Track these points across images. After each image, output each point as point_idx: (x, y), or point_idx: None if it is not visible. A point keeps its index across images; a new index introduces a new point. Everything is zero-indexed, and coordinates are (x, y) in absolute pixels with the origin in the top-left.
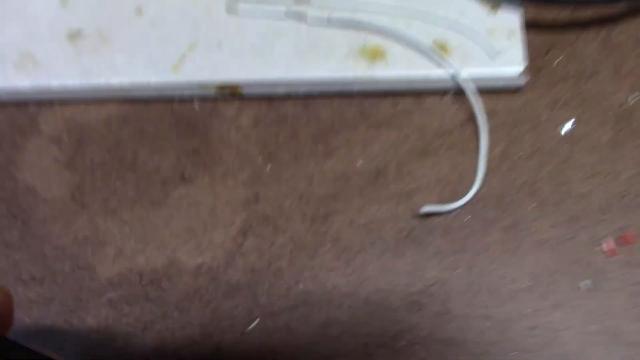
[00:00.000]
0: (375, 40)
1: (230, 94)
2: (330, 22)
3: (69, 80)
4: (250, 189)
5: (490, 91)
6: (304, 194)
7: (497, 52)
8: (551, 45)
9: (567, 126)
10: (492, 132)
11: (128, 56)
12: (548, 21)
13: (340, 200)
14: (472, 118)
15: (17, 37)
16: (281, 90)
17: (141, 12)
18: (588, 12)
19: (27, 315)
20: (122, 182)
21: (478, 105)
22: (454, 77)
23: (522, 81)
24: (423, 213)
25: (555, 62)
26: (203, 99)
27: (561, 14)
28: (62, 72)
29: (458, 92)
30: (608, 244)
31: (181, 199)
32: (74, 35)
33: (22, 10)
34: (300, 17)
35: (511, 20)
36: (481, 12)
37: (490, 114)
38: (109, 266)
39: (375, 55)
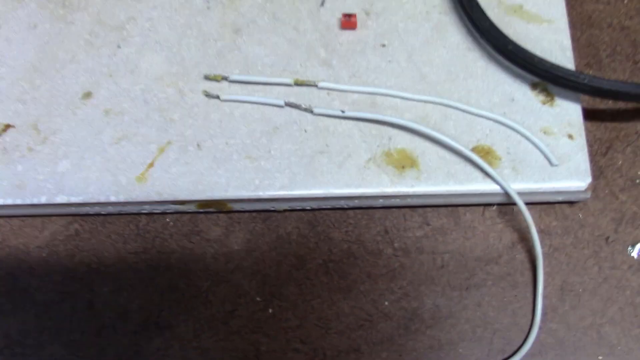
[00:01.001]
0: (401, 142)
1: (216, 209)
2: (344, 114)
3: None
4: (247, 339)
5: (544, 203)
6: (317, 346)
7: (558, 158)
8: (613, 140)
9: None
10: (547, 257)
11: (76, 162)
12: (608, 109)
13: (364, 354)
14: (522, 240)
15: None
16: (282, 206)
17: (91, 96)
18: None
19: None
20: (78, 333)
21: (533, 226)
22: (504, 191)
23: (588, 194)
24: None
25: (620, 162)
26: (177, 211)
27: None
28: None
29: (502, 204)
30: None
31: (157, 353)
32: (0, 131)
33: None
34: (302, 106)
35: (571, 114)
36: (532, 103)
37: (544, 233)
38: None
39: (403, 163)
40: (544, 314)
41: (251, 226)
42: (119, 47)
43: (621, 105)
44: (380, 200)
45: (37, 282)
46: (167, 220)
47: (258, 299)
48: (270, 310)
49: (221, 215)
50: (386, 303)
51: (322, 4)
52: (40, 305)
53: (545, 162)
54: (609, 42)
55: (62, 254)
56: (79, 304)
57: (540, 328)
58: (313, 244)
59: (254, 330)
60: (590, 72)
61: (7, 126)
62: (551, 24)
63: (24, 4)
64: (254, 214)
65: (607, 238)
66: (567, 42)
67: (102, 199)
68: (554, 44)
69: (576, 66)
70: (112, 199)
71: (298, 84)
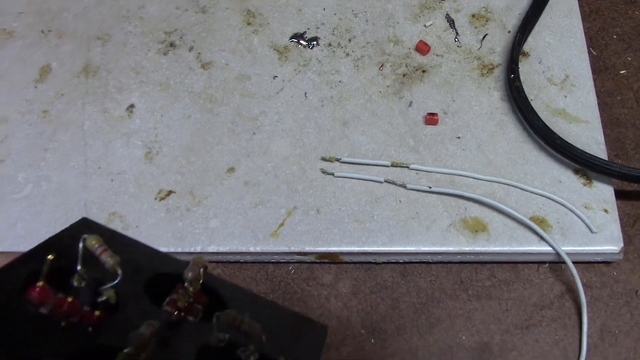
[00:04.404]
0: (474, 212)
1: (329, 260)
2: (430, 189)
3: (162, 246)
4: None
5: (585, 263)
6: None
7: (596, 227)
8: (639, 215)
9: None
10: (589, 305)
11: (223, 221)
12: (634, 191)
13: None
14: (569, 290)
15: (104, 194)
16: (381, 259)
17: (233, 170)
18: None
19: None
20: None
21: (579, 280)
22: (556, 252)
23: (621, 256)
24: None
25: None
26: (298, 261)
27: None
28: (154, 236)
29: (553, 262)
30: None
31: None
32: (164, 195)
33: (106, 163)
34: (397, 183)
35: (606, 193)
36: (575, 184)
37: (586, 286)
38: None
39: (476, 228)
40: (588, 350)
41: (355, 274)
42: (254, 133)
43: None
44: (458, 257)
45: None
46: (290, 268)
47: (362, 331)
48: (372, 341)
49: (332, 265)
50: (463, 338)
51: (410, 105)
52: None
53: (587, 230)
54: (633, 138)
55: None
56: None
57: None
58: (404, 290)
59: (359, 356)
60: (619, 162)
61: (170, 192)
62: (588, 124)
63: (180, 99)
64: (357, 265)
65: (637, 291)
66: (600, 137)
67: (244, 250)
68: (591, 139)
69: (608, 157)
70: (251, 249)
71: (394, 165)
